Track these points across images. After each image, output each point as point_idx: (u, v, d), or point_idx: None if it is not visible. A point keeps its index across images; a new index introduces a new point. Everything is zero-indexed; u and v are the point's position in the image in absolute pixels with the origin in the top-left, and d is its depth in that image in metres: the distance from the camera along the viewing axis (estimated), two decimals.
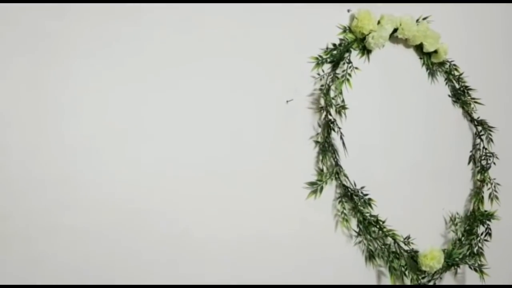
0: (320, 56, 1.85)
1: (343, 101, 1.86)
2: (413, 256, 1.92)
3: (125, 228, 1.52)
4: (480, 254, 2.08)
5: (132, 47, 1.56)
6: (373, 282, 1.89)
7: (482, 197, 2.15)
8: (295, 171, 1.78)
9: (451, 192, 2.12)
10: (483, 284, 1.90)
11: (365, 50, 1.95)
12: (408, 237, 1.91)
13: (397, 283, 1.91)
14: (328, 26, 1.89)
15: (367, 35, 1.91)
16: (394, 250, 1.90)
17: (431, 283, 1.96)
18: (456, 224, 2.10)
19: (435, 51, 2.08)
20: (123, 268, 1.52)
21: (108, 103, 1.52)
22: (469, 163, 2.18)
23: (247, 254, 1.68)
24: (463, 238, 2.08)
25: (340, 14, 1.92)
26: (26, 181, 1.42)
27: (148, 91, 1.58)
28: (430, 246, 1.93)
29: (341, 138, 1.82)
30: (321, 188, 1.80)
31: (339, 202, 1.84)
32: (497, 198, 2.17)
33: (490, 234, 2.10)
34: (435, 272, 1.94)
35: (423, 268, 1.91)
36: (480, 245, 2.09)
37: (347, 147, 1.83)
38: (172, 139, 1.60)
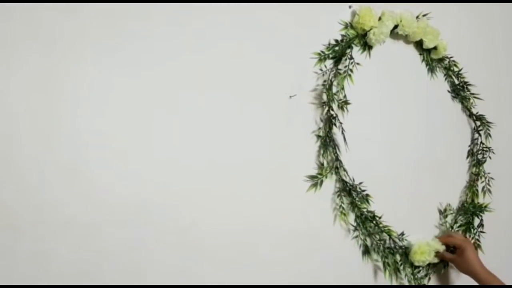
0: (323, 52, 1.88)
1: (345, 96, 1.90)
2: (407, 252, 1.96)
3: (134, 220, 1.55)
4: (477, 246, 2.12)
5: (144, 46, 1.59)
6: (370, 275, 1.93)
7: (476, 190, 2.19)
8: (296, 165, 1.82)
9: (450, 186, 2.16)
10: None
11: (366, 46, 1.98)
12: (402, 234, 1.95)
13: (393, 278, 1.94)
14: (330, 22, 1.92)
15: (368, 31, 1.94)
16: (389, 245, 1.94)
17: (426, 277, 2.00)
18: (447, 216, 2.13)
19: (435, 48, 2.11)
20: (132, 261, 1.55)
21: (120, 99, 1.56)
22: (467, 157, 2.22)
23: (247, 246, 1.72)
24: (458, 231, 2.12)
25: (342, 10, 1.95)
26: (37, 176, 1.45)
27: (158, 87, 1.61)
28: (416, 242, 1.96)
29: (342, 133, 1.86)
30: (321, 182, 1.84)
31: (338, 196, 1.88)
32: (489, 191, 2.21)
33: (482, 226, 2.14)
34: (429, 264, 1.99)
35: (416, 264, 1.95)
36: (477, 237, 2.13)
37: (348, 142, 1.86)
38: (178, 133, 1.64)
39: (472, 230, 2.13)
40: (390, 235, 1.93)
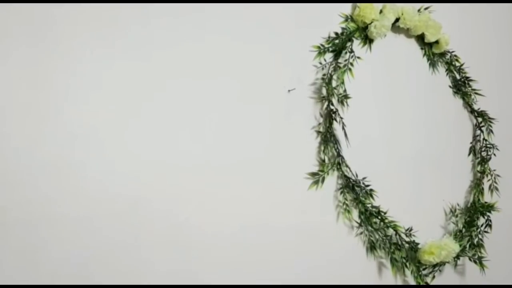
0: (322, 45, 1.84)
1: (345, 90, 1.85)
2: (413, 248, 1.91)
3: (125, 218, 1.50)
4: (480, 245, 2.07)
5: (135, 39, 1.55)
6: (374, 273, 1.88)
7: (482, 188, 2.15)
8: (296, 162, 1.77)
9: (451, 183, 2.12)
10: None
11: (367, 40, 1.94)
12: (410, 229, 1.90)
13: (398, 275, 1.90)
14: (330, 14, 1.87)
15: (369, 24, 1.90)
16: (395, 241, 1.89)
17: (431, 276, 1.95)
18: (457, 216, 2.09)
19: (436, 42, 2.07)
20: (123, 260, 1.50)
21: (109, 94, 1.51)
22: (469, 154, 2.17)
23: (248, 244, 1.67)
24: (463, 230, 2.07)
25: (342, 2, 1.90)
26: (25, 171, 1.40)
27: (149, 82, 1.56)
28: (430, 240, 1.92)
29: (343, 128, 1.81)
30: (323, 179, 1.79)
31: (341, 193, 1.83)
32: (497, 189, 2.17)
33: (490, 226, 2.10)
34: (435, 264, 1.94)
35: (422, 262, 1.90)
36: (480, 236, 2.08)
37: (349, 137, 1.82)
38: (173, 129, 1.59)
39: (476, 229, 2.08)
40: (396, 231, 1.88)
